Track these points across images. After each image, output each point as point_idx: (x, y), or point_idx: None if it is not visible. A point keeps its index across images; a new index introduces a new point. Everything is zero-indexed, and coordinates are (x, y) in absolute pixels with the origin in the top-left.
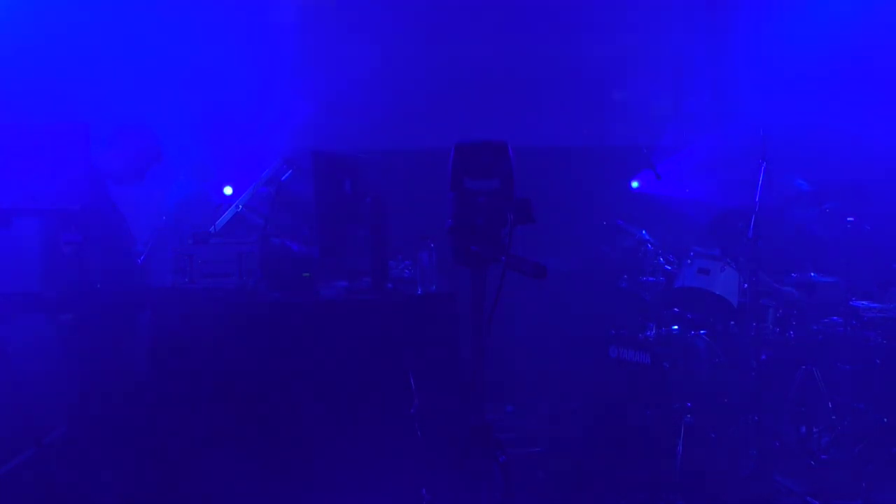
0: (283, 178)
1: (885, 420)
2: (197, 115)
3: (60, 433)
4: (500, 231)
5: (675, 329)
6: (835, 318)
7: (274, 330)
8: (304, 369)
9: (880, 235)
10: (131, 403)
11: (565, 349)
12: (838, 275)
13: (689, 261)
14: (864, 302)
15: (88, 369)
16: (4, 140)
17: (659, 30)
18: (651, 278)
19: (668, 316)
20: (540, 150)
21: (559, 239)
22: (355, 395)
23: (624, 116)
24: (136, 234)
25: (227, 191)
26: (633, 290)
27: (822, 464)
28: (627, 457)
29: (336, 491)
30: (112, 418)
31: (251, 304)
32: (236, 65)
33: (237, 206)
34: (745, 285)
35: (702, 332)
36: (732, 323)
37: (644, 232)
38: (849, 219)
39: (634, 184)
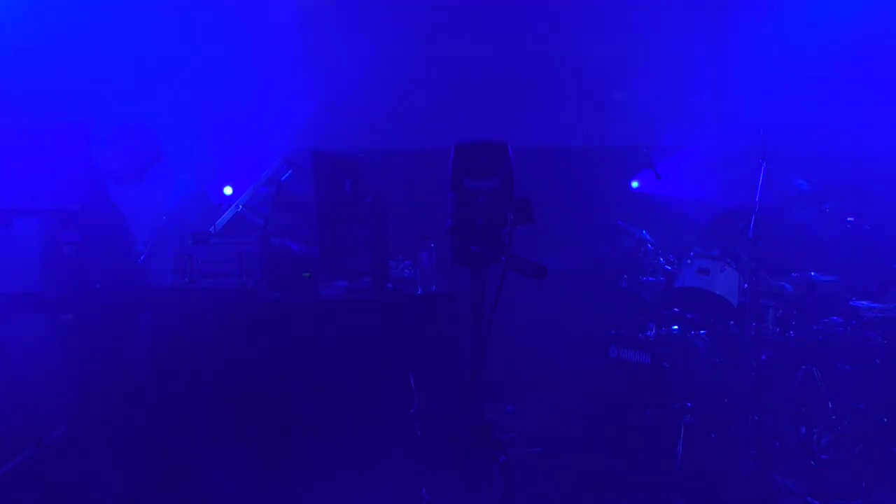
0: (283, 178)
1: (885, 420)
2: (197, 115)
3: (60, 433)
4: (500, 231)
5: (675, 329)
6: (835, 318)
7: (274, 330)
8: (304, 369)
9: (880, 235)
10: (131, 403)
11: (565, 349)
12: (838, 275)
13: (689, 261)
14: (864, 302)
15: (88, 369)
16: (4, 140)
17: (659, 30)
18: (651, 278)
19: (668, 316)
20: (540, 150)
21: (559, 239)
22: (355, 395)
23: (624, 116)
24: (136, 234)
25: (227, 191)
26: (633, 290)
27: (822, 464)
28: (627, 457)
29: (336, 491)
30: (112, 418)
31: (251, 304)
32: (236, 65)
33: (237, 206)
34: (745, 285)
35: (702, 332)
36: (732, 323)
37: (644, 232)
38: (849, 219)
39: (634, 184)
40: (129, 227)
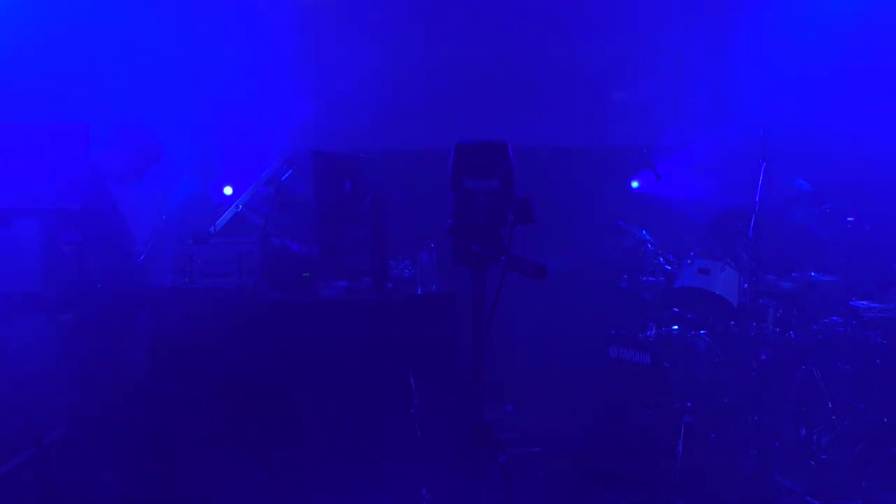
0: (283, 178)
1: (885, 420)
2: (197, 115)
3: (60, 433)
4: (500, 231)
5: (675, 329)
6: (835, 318)
7: (274, 330)
8: (304, 369)
9: (880, 235)
10: (131, 403)
11: (565, 349)
12: (838, 275)
13: (689, 261)
14: (864, 302)
15: (88, 369)
16: (4, 140)
17: (659, 30)
18: (651, 278)
19: (668, 316)
20: (540, 150)
21: (559, 239)
22: (355, 395)
23: (624, 116)
24: (136, 234)
25: (227, 191)
26: (633, 290)
27: (822, 464)
28: (627, 457)
29: (336, 491)
30: (112, 418)
31: (251, 304)
32: (236, 65)
33: (237, 206)
34: (745, 285)
35: (702, 332)
36: (732, 323)
37: (644, 232)
38: (849, 219)
39: (634, 184)
40: (129, 227)
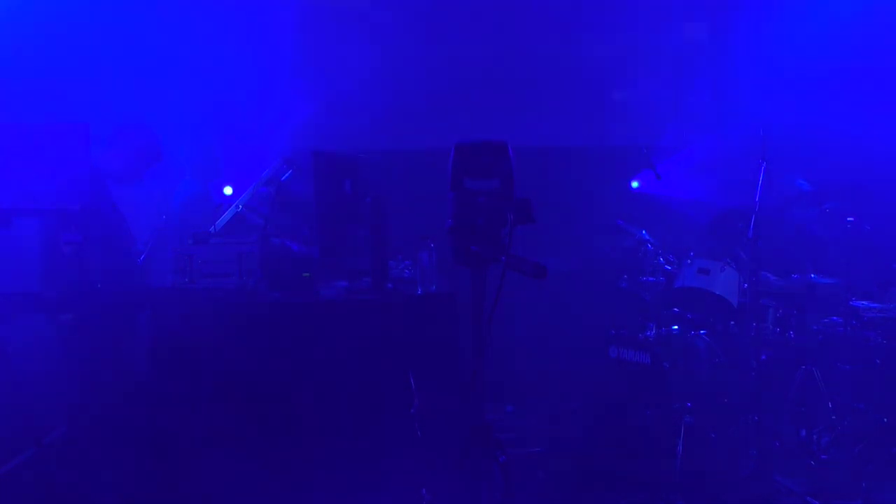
0: (283, 178)
1: (885, 420)
2: (197, 115)
3: (60, 433)
4: (500, 231)
5: (675, 329)
6: (835, 318)
7: (274, 330)
8: (304, 369)
9: (880, 235)
10: (131, 403)
11: (565, 349)
12: (838, 275)
13: (689, 261)
14: (864, 302)
15: (88, 369)
16: (4, 140)
17: (659, 30)
18: (651, 278)
19: (668, 316)
20: (540, 150)
21: (559, 239)
22: (355, 395)
23: (624, 116)
24: (136, 234)
25: (227, 191)
26: (633, 290)
27: (822, 464)
28: (627, 457)
29: (336, 491)
30: (112, 418)
31: (251, 304)
32: (236, 65)
33: (237, 206)
34: (745, 285)
35: (702, 332)
36: (732, 323)
37: (644, 232)
38: (849, 219)
39: (634, 184)
40: (129, 227)
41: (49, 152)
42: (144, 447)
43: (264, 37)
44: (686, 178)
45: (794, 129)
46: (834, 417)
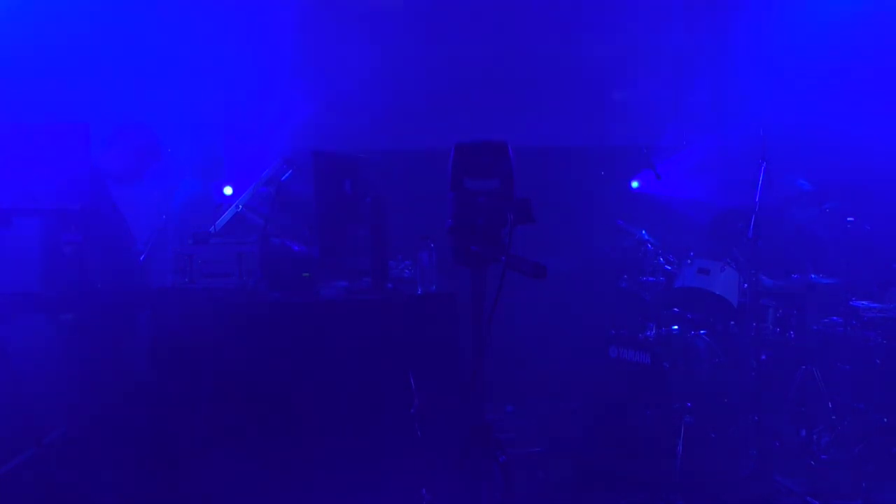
0: (283, 178)
1: (885, 420)
2: (197, 115)
3: (60, 433)
4: (500, 231)
5: (675, 329)
6: (835, 318)
7: (274, 330)
8: (304, 369)
9: (880, 235)
10: (131, 403)
11: (565, 349)
12: (838, 275)
13: (689, 261)
14: (864, 302)
15: (88, 369)
16: (4, 140)
17: (659, 30)
18: (651, 278)
19: (668, 316)
20: (540, 150)
21: (559, 239)
22: (355, 395)
23: (624, 116)
24: (136, 234)
25: (227, 191)
26: (633, 290)
27: (822, 464)
28: (627, 457)
29: (336, 491)
30: (112, 418)
31: (251, 304)
32: (236, 65)
33: (237, 206)
34: (745, 285)
35: (702, 332)
36: (732, 323)
37: (644, 232)
38: (849, 219)
39: (634, 184)
40: (129, 227)
41: (49, 152)
42: (144, 447)
43: (264, 37)
44: (686, 178)
45: (794, 129)
46: (834, 417)
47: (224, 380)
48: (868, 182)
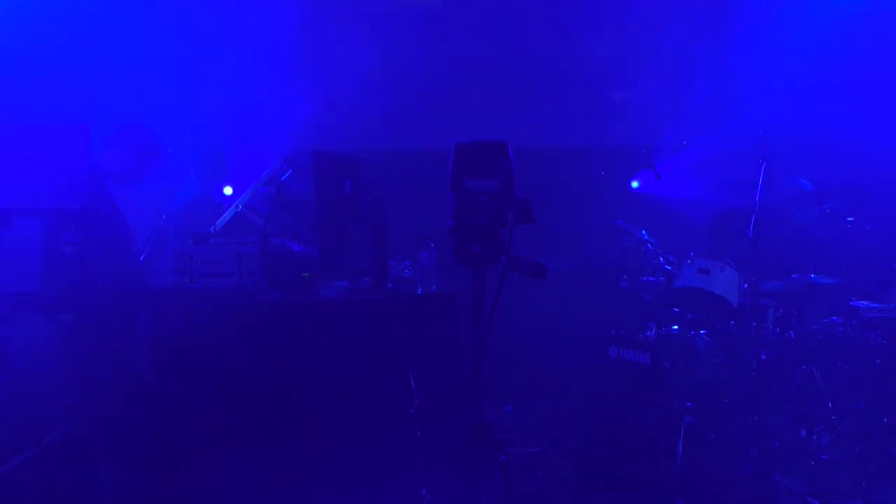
0: (283, 178)
1: (885, 420)
2: (197, 115)
3: (60, 433)
4: (500, 231)
5: (675, 329)
6: (835, 318)
7: (274, 330)
8: (304, 369)
9: (880, 235)
10: (131, 403)
11: (565, 349)
12: (838, 275)
13: (689, 261)
14: (864, 302)
15: (88, 369)
16: (4, 140)
17: (659, 30)
18: (651, 278)
19: (668, 316)
20: (540, 150)
21: (559, 239)
22: (355, 395)
23: (624, 116)
24: (136, 234)
25: (227, 191)
26: (633, 290)
27: (822, 464)
28: (627, 457)
29: (336, 491)
30: (112, 418)
31: (251, 304)
32: (236, 65)
33: (237, 206)
34: (745, 285)
35: (702, 332)
36: (732, 323)
37: (644, 232)
38: (849, 219)
39: (634, 184)
40: (129, 227)
41: (49, 152)
42: (144, 447)
43: (264, 37)
44: (686, 178)
45: (794, 129)
46: (834, 417)
47: (224, 380)
48: (868, 182)
